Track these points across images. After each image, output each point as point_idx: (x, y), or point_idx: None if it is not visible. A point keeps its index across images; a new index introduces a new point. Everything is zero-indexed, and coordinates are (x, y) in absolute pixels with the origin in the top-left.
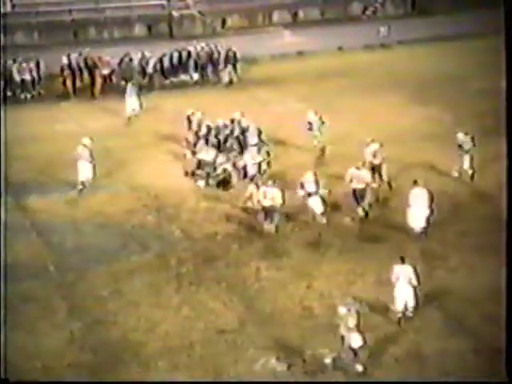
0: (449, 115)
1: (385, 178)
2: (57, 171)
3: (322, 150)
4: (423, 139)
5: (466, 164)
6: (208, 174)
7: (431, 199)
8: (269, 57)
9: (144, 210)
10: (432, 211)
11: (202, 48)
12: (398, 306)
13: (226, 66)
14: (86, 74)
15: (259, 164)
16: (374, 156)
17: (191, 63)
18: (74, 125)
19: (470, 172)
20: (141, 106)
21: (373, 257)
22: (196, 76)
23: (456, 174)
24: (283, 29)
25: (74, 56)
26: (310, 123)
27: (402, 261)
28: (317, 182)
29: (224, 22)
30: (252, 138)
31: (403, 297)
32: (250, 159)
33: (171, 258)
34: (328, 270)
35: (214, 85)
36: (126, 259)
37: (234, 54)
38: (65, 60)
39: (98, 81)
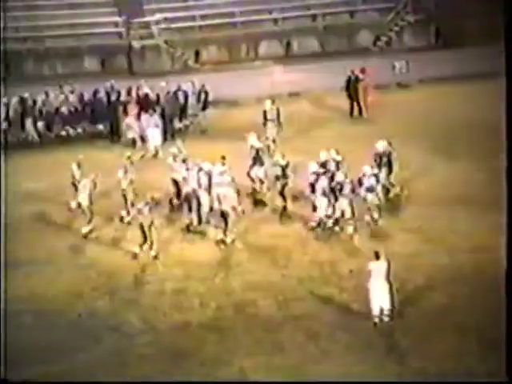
0: (482, 173)
1: None
2: None
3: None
4: (449, 203)
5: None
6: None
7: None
8: (254, 99)
9: (94, 293)
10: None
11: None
12: (374, 309)
13: (201, 110)
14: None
15: None
16: None
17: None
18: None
19: None
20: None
21: None
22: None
23: None
24: (273, 63)
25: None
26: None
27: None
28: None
29: (198, 54)
30: None
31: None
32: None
33: (129, 355)
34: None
35: (184, 134)
36: (71, 358)
37: (206, 94)
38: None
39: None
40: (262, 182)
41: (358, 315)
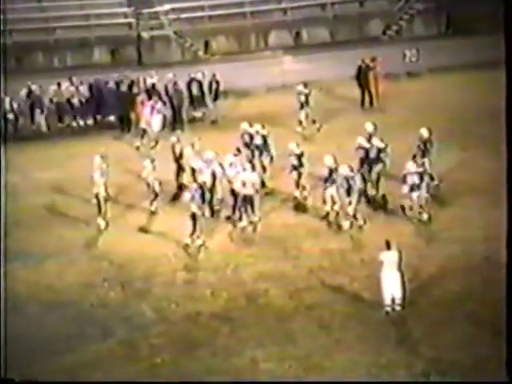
0: (493, 162)
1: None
2: None
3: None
4: (461, 192)
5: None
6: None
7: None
8: (264, 89)
9: (105, 284)
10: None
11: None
12: (385, 298)
13: (212, 101)
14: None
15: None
16: None
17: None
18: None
19: None
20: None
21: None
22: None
23: None
24: (283, 53)
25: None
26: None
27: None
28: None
29: (207, 45)
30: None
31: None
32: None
33: (141, 345)
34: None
35: (193, 123)
36: (83, 348)
37: (218, 84)
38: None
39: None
40: (265, 170)
41: (369, 304)
